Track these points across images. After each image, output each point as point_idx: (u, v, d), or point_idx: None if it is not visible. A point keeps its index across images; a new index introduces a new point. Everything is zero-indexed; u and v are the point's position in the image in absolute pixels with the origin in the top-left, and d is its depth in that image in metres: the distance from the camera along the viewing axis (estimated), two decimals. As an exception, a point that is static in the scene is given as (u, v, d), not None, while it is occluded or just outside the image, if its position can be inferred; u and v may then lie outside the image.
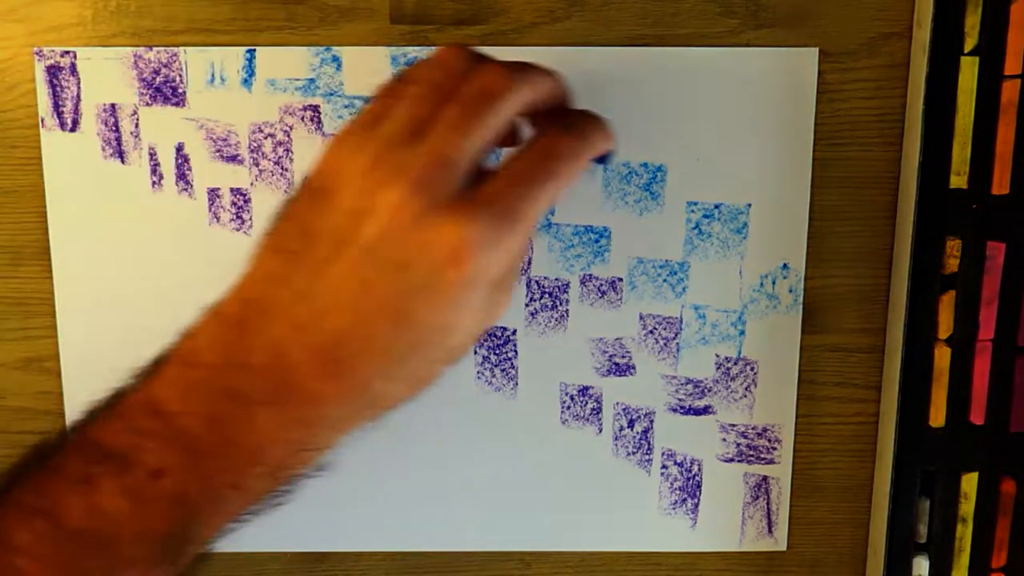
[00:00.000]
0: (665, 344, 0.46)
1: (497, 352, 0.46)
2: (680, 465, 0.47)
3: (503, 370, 0.46)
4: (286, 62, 0.44)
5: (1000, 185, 0.41)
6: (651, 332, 0.46)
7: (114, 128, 0.44)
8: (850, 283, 0.45)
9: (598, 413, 0.46)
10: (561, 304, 0.45)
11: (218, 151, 0.44)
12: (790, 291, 0.45)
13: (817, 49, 0.43)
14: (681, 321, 0.45)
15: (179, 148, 0.44)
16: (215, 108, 0.44)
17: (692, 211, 0.45)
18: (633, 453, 0.47)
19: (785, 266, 0.45)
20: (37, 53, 0.43)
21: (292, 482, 0.36)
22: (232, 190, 0.45)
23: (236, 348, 0.33)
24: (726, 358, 0.46)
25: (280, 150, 0.44)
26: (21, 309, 0.46)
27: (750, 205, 0.44)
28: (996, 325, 0.42)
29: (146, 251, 0.45)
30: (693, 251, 0.45)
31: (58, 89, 0.44)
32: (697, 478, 0.47)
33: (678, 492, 0.47)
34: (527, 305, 0.45)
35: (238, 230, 0.45)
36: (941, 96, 0.41)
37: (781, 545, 0.48)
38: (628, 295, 0.45)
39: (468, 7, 0.43)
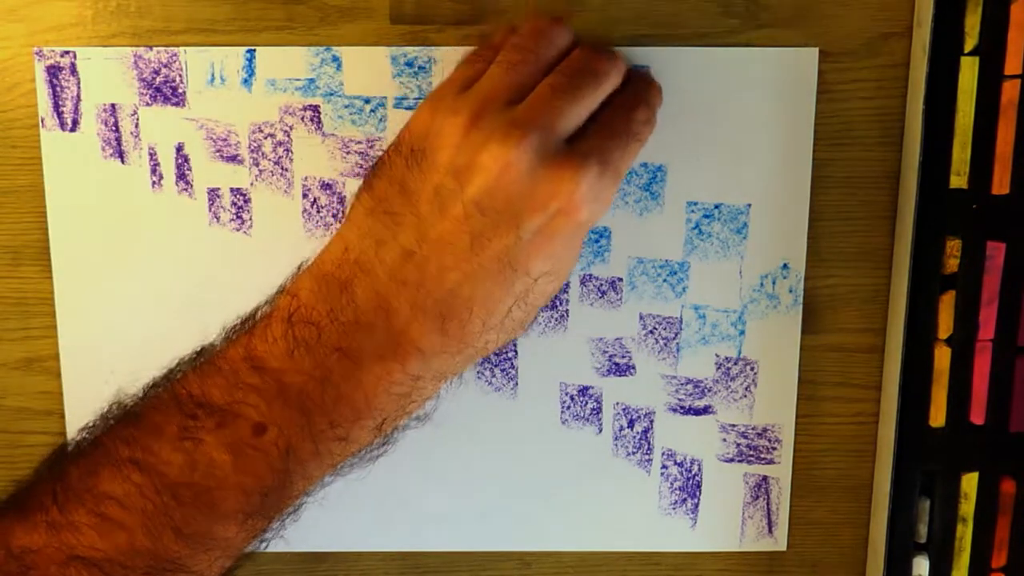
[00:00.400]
0: (665, 344, 0.46)
1: (497, 352, 0.46)
2: (680, 465, 0.47)
3: (503, 370, 0.46)
4: (286, 62, 0.44)
5: (1000, 185, 0.41)
6: (651, 332, 0.46)
7: (114, 128, 0.44)
8: (850, 283, 0.45)
9: (598, 413, 0.46)
10: (561, 304, 0.45)
11: (218, 151, 0.44)
12: (790, 291, 0.45)
13: (817, 49, 0.43)
14: (681, 321, 0.46)
15: (179, 148, 0.44)
16: (215, 108, 0.44)
17: (692, 211, 0.45)
18: (633, 453, 0.47)
19: (785, 266, 0.45)
20: (37, 53, 0.43)
21: (394, 433, 0.37)
22: (232, 190, 0.45)
23: (343, 306, 0.34)
24: (726, 358, 0.46)
25: (280, 150, 0.44)
26: (21, 309, 0.46)
27: (750, 205, 0.44)
28: (996, 325, 0.42)
29: (146, 251, 0.45)
30: (693, 251, 0.45)
31: (58, 89, 0.44)
32: (697, 478, 0.47)
33: (678, 492, 0.47)
34: (527, 305, 0.45)
35: (238, 230, 0.45)
36: (941, 96, 0.41)
37: (781, 545, 0.48)
38: (628, 295, 0.45)
39: (468, 7, 0.43)
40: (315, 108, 0.44)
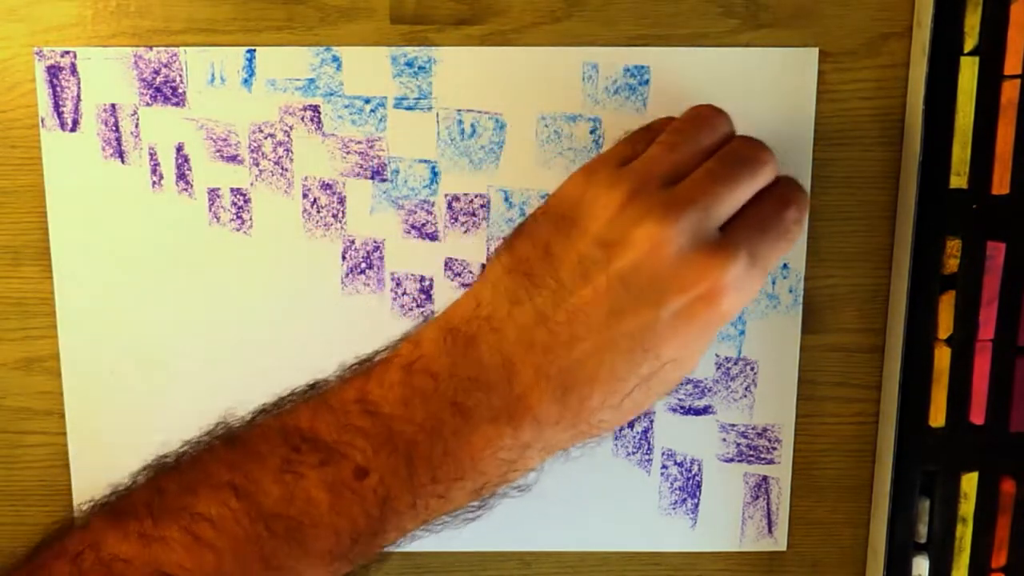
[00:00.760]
0: (665, 344, 0.46)
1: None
2: (680, 465, 0.47)
3: (503, 370, 0.46)
4: (286, 62, 0.44)
5: (1000, 185, 0.41)
6: (651, 332, 0.46)
7: (114, 128, 0.44)
8: (850, 283, 0.45)
9: (598, 413, 0.46)
10: (561, 304, 0.45)
11: (218, 151, 0.44)
12: (790, 291, 0.45)
13: (817, 49, 0.43)
14: (681, 321, 0.45)
15: (179, 148, 0.44)
16: (215, 108, 0.44)
17: (692, 211, 0.44)
18: (633, 453, 0.47)
19: (785, 266, 0.45)
20: (37, 53, 0.43)
21: (492, 499, 0.36)
22: (232, 190, 0.45)
23: (466, 362, 0.34)
24: (726, 358, 0.46)
25: (280, 150, 0.44)
26: (21, 309, 0.46)
27: (750, 205, 0.44)
28: (996, 325, 0.42)
29: (146, 251, 0.45)
30: (693, 251, 0.45)
31: (58, 89, 0.44)
32: (697, 478, 0.47)
33: (678, 492, 0.47)
34: (527, 305, 0.45)
35: (238, 230, 0.45)
36: (941, 96, 0.41)
37: (781, 545, 0.48)
38: (628, 295, 0.45)
39: (468, 7, 0.43)
40: (315, 108, 0.44)
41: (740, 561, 0.48)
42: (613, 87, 0.43)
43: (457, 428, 0.33)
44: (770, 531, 0.48)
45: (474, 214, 0.45)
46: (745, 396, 0.46)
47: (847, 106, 0.44)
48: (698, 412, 0.46)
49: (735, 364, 0.46)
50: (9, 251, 0.45)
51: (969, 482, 0.44)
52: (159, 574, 0.32)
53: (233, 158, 0.45)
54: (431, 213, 0.45)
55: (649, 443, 0.47)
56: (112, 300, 0.46)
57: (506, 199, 0.44)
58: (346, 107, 0.44)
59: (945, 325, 0.43)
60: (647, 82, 0.43)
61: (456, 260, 0.45)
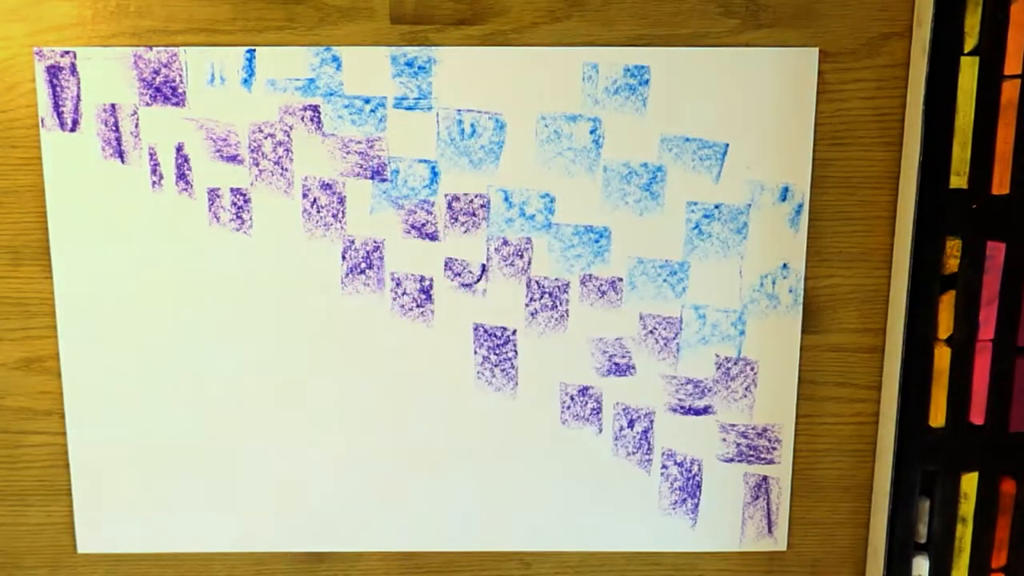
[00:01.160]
0: (665, 344, 0.46)
1: (497, 352, 0.46)
2: (680, 465, 0.47)
3: (503, 370, 0.46)
4: (286, 62, 0.44)
5: (1000, 185, 0.41)
6: (651, 332, 0.46)
7: (114, 128, 0.44)
8: (850, 283, 0.45)
9: (598, 413, 0.46)
10: (561, 304, 0.45)
11: (218, 151, 0.44)
12: (790, 291, 0.45)
13: (817, 49, 0.43)
14: (681, 321, 0.45)
15: (179, 148, 0.44)
16: (215, 108, 0.44)
17: (692, 211, 0.45)
18: (633, 453, 0.47)
19: (785, 266, 0.45)
20: (37, 53, 0.43)
21: None
22: (232, 190, 0.45)
23: None
24: (726, 358, 0.46)
25: (280, 150, 0.44)
26: (21, 309, 0.46)
27: (750, 205, 0.45)
28: (996, 325, 0.42)
29: (146, 251, 0.45)
30: (693, 251, 0.45)
31: (58, 89, 0.44)
32: (697, 478, 0.47)
33: (678, 492, 0.47)
34: (527, 305, 0.45)
35: (238, 230, 0.45)
36: (941, 96, 0.41)
37: (781, 545, 0.48)
38: (628, 295, 0.45)
39: (468, 7, 0.43)
40: (315, 108, 0.44)
41: (740, 561, 0.48)
42: (613, 87, 0.43)
43: None
44: (770, 531, 0.48)
45: (474, 214, 0.45)
46: (745, 396, 0.46)
47: (847, 106, 0.44)
48: (698, 412, 0.46)
49: (735, 364, 0.46)
50: (9, 251, 0.45)
51: (969, 482, 0.44)
52: None
53: (233, 158, 0.45)
54: (431, 213, 0.45)
55: (649, 443, 0.47)
56: (112, 300, 0.46)
57: (506, 199, 0.44)
58: (346, 107, 0.44)
59: (945, 325, 0.43)
60: (647, 82, 0.43)
61: (456, 260, 0.45)
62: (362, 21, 0.43)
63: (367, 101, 0.44)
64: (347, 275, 0.45)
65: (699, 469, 0.47)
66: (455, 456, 0.47)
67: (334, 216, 0.45)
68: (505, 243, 0.45)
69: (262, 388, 0.47)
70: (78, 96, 0.44)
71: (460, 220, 0.45)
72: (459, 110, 0.44)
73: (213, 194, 0.45)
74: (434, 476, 0.47)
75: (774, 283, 0.45)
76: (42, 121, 0.44)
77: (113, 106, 0.44)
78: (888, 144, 0.44)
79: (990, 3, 0.40)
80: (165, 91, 0.44)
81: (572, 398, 0.46)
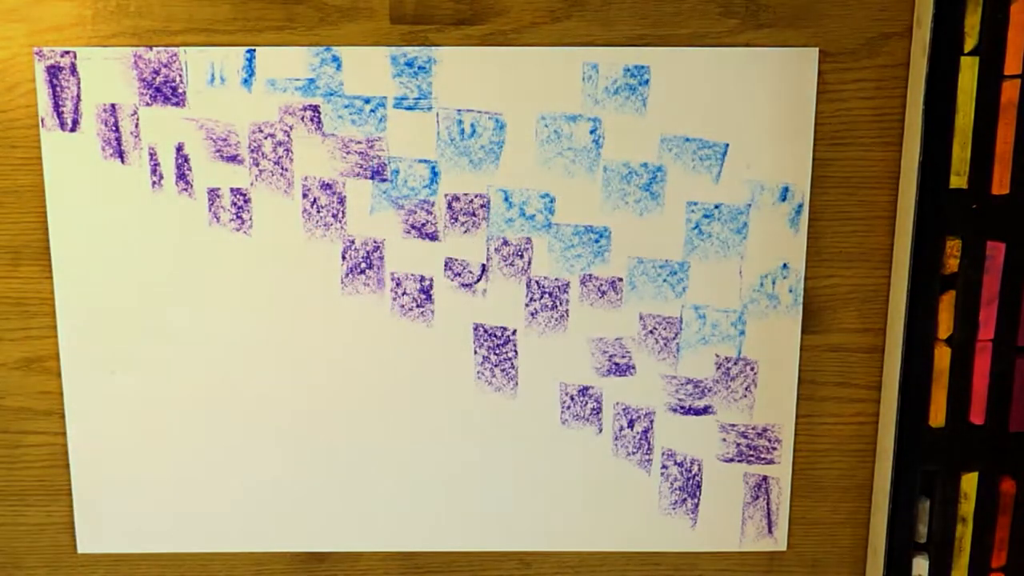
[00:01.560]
0: (665, 344, 0.46)
1: (497, 352, 0.46)
2: (680, 465, 0.47)
3: (503, 370, 0.46)
4: (286, 62, 0.44)
5: (1000, 185, 0.41)
6: (651, 332, 0.46)
7: (114, 128, 0.44)
8: (850, 283, 0.45)
9: (598, 413, 0.46)
10: (561, 304, 0.45)
11: (218, 151, 0.44)
12: (790, 291, 0.45)
13: (817, 49, 0.43)
14: (681, 321, 0.45)
15: (179, 148, 0.44)
16: (215, 108, 0.44)
17: (692, 211, 0.45)
18: (633, 453, 0.47)
19: (785, 266, 0.45)
20: (37, 53, 0.43)
21: None
22: (232, 190, 0.45)
23: None
24: (726, 358, 0.46)
25: (280, 150, 0.44)
26: (21, 309, 0.46)
27: (750, 205, 0.45)
28: (996, 325, 0.42)
29: (146, 251, 0.45)
30: (693, 251, 0.45)
31: (58, 89, 0.44)
32: (697, 478, 0.47)
33: (678, 492, 0.47)
34: (527, 305, 0.45)
35: (238, 230, 0.45)
36: (941, 96, 0.41)
37: (781, 545, 0.48)
38: (628, 295, 0.45)
39: (468, 7, 0.43)
40: (315, 108, 0.44)
41: (740, 561, 0.48)
42: (613, 87, 0.43)
43: None
44: (770, 531, 0.48)
45: (474, 214, 0.45)
46: (745, 396, 0.46)
47: (847, 106, 0.44)
48: (698, 412, 0.46)
49: (735, 364, 0.46)
50: (9, 251, 0.45)
51: (969, 482, 0.44)
52: None
53: (233, 158, 0.45)
54: (431, 213, 0.45)
55: (649, 443, 0.47)
56: (112, 300, 0.46)
57: (506, 199, 0.44)
58: (346, 107, 0.44)
59: (945, 325, 0.43)
60: (647, 82, 0.43)
61: (456, 260, 0.45)
62: (362, 21, 0.43)
63: (367, 101, 0.44)
64: (347, 275, 0.45)
65: (699, 469, 0.47)
66: (455, 456, 0.47)
67: (334, 216, 0.45)
68: (505, 243, 0.45)
69: (262, 388, 0.47)
70: (78, 96, 0.44)
71: (460, 220, 0.45)
72: (459, 110, 0.44)
73: (213, 194, 0.45)
74: (434, 476, 0.47)
75: (774, 283, 0.45)
76: (42, 121, 0.44)
77: (113, 106, 0.44)
78: (888, 144, 0.44)
79: (990, 3, 0.40)
80: (165, 91, 0.44)
81: (572, 398, 0.46)
